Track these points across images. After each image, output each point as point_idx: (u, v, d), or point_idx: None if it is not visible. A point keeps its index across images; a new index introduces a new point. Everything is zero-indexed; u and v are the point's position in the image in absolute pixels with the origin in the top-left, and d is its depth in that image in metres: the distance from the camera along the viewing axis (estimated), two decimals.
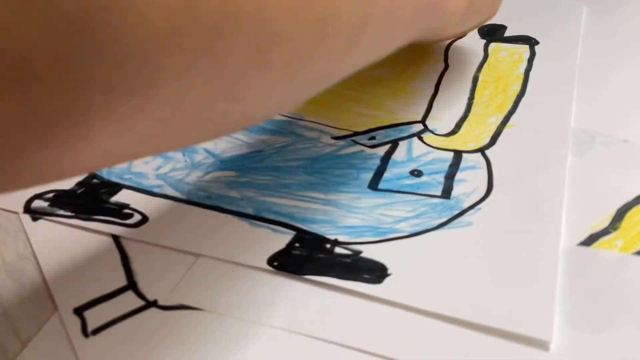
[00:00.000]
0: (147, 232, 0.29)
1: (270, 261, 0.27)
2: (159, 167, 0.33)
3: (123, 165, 0.33)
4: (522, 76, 0.42)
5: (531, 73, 0.42)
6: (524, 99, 0.39)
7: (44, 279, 0.27)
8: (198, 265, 0.27)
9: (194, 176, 0.32)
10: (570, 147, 0.34)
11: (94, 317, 0.26)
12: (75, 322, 0.26)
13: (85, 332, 0.25)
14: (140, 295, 0.27)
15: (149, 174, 0.32)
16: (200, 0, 0.14)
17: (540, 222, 0.29)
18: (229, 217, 0.30)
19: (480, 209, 0.30)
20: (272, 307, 0.26)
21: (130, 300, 0.26)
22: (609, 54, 0.44)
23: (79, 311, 0.26)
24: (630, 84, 0.40)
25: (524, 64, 0.44)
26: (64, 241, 0.29)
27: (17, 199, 0.31)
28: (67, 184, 0.32)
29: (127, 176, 0.32)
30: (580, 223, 0.29)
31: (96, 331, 0.25)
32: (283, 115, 0.37)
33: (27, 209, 0.31)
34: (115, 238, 0.29)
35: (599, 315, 0.25)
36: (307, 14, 0.19)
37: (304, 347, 0.24)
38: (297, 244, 0.28)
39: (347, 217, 0.30)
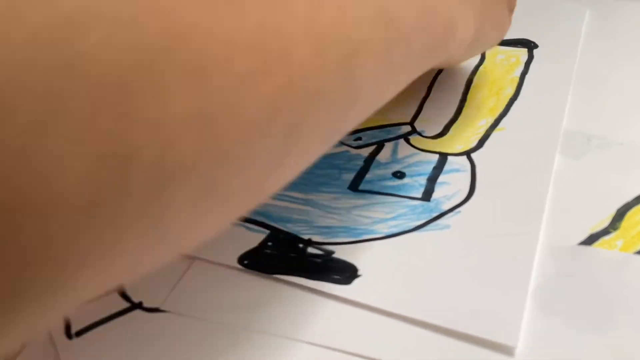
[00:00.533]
0: None
1: (240, 260, 0.27)
2: None
3: None
4: (516, 79, 0.41)
5: (527, 76, 0.42)
6: (516, 103, 0.39)
7: None
8: (193, 268, 0.27)
9: None
10: (558, 149, 0.33)
11: (78, 318, 0.26)
12: (59, 323, 0.25)
13: (68, 334, 0.25)
14: (125, 297, 0.27)
15: None
16: (129, 166, 0.12)
17: (519, 226, 0.28)
18: None
19: (459, 212, 0.30)
20: (244, 307, 0.25)
21: (114, 302, 0.26)
22: (609, 56, 0.44)
23: None
24: (629, 85, 0.39)
25: (521, 67, 0.43)
26: None
27: None
28: None
29: None
30: (580, 223, 0.28)
31: (80, 333, 0.25)
32: None
33: None
34: None
35: (599, 315, 0.24)
36: (271, 131, 0.16)
37: (276, 348, 0.24)
38: (269, 243, 0.28)
39: (324, 217, 0.29)
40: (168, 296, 0.26)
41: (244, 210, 0.18)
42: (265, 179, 0.17)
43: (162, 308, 0.26)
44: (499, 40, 0.36)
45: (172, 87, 0.12)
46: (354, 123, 0.21)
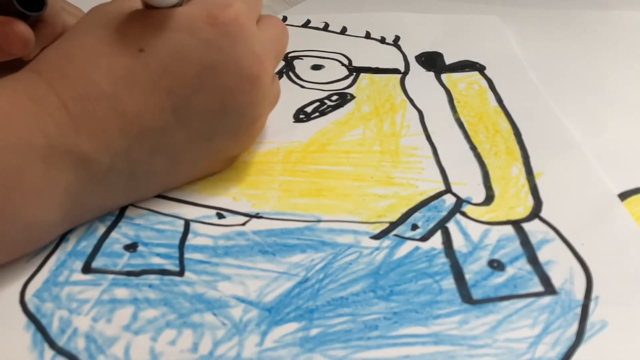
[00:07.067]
0: None
1: None
2: (195, 347, 0.23)
3: None
4: (499, 110, 0.37)
5: (506, 104, 0.37)
6: (524, 138, 0.34)
7: None
8: None
9: (250, 346, 0.23)
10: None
11: None
12: None
13: None
14: None
15: None
16: None
17: None
18: None
19: (597, 297, 0.24)
20: None
21: None
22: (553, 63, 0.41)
23: None
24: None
25: (490, 94, 0.38)
26: None
27: None
28: None
29: None
30: None
31: None
32: (296, 221, 0.28)
33: None
34: None
35: None
36: None
37: None
38: None
39: (474, 356, 0.22)
40: None
41: None
42: None
43: None
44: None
45: None
46: None
